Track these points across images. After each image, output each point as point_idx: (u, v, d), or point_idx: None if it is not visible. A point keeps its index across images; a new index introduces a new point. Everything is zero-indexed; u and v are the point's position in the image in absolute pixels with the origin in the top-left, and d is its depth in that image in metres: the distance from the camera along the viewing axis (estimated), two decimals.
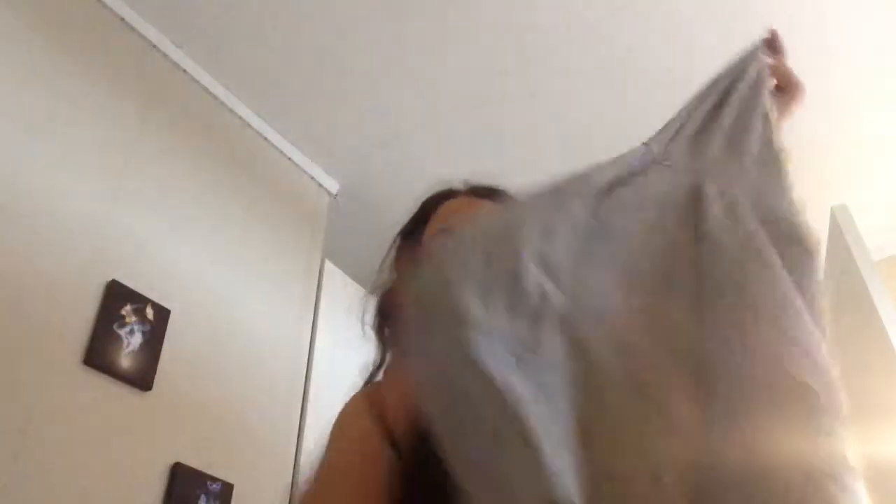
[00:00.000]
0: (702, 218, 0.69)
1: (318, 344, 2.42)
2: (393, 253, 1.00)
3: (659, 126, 0.86)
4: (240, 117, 2.48)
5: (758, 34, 1.01)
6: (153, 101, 2.19)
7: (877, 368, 2.07)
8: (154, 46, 2.25)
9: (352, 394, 0.88)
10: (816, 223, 2.63)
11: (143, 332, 1.83)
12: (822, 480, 0.56)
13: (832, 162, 2.64)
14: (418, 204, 1.01)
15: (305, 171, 2.67)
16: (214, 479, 1.85)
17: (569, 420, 0.55)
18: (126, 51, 2.18)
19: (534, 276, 0.59)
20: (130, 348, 1.79)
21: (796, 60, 1.00)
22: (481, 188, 0.99)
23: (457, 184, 1.01)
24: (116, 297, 1.81)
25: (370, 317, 0.96)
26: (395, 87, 2.44)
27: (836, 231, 2.24)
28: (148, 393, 1.80)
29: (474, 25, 2.24)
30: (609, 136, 2.57)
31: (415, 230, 0.99)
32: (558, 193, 0.69)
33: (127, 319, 1.81)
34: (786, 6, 2.16)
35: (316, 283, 2.55)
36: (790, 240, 0.69)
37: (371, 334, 0.95)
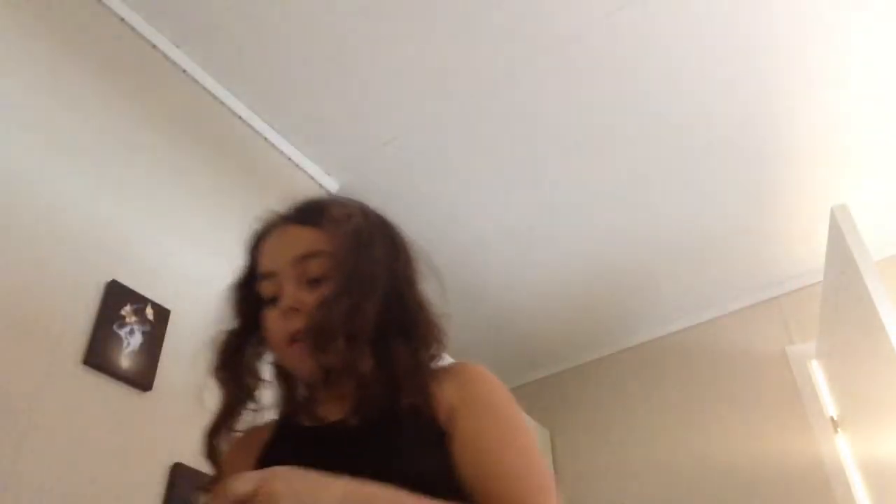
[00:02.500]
0: None
1: None
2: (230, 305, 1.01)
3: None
4: (239, 117, 2.47)
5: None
6: (153, 101, 2.19)
7: (877, 368, 2.07)
8: (154, 46, 2.25)
9: None
10: (816, 223, 2.66)
11: (143, 332, 1.83)
12: None
13: (832, 162, 2.65)
14: (245, 250, 1.01)
15: (305, 171, 2.67)
16: None
17: None
18: (126, 51, 2.18)
19: None
20: (130, 348, 1.79)
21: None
22: (290, 211, 0.99)
23: (271, 215, 1.01)
24: (116, 297, 1.80)
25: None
26: (396, 86, 2.44)
27: (836, 231, 2.25)
28: (148, 393, 1.80)
29: (476, 25, 2.24)
30: (612, 136, 2.57)
31: (246, 280, 0.99)
32: None
33: (127, 319, 1.80)
34: (787, 7, 2.16)
35: None
36: None
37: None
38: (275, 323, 0.91)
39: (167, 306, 1.92)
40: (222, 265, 2.17)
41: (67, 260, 1.76)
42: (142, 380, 1.78)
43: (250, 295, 0.97)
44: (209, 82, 2.39)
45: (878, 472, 2.38)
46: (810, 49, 2.27)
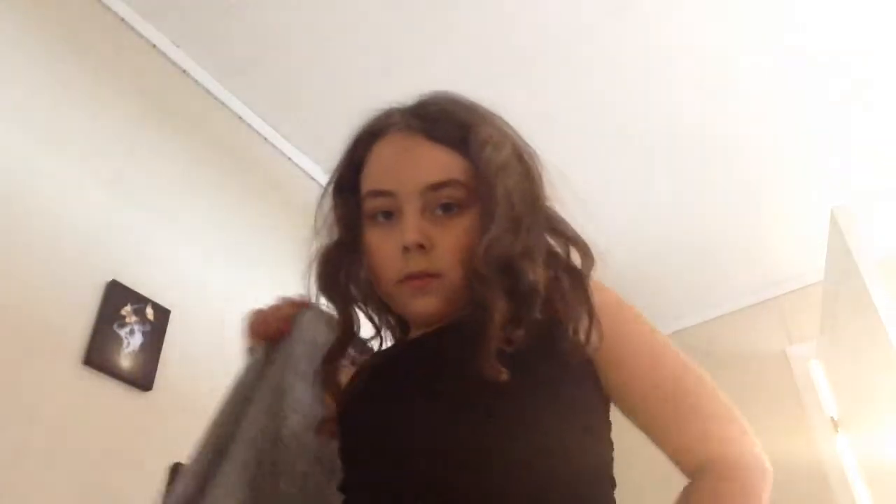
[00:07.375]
0: None
1: None
2: (326, 210, 0.88)
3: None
4: (239, 117, 2.47)
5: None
6: (153, 101, 2.19)
7: (877, 368, 2.07)
8: (154, 46, 2.25)
9: None
10: (816, 223, 2.65)
11: (143, 332, 1.83)
12: None
13: (832, 162, 2.65)
14: (348, 144, 0.89)
15: (305, 171, 2.66)
16: None
17: None
18: (126, 51, 2.18)
19: None
20: (130, 348, 1.79)
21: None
22: (416, 118, 0.84)
23: (390, 113, 0.88)
24: (116, 297, 1.81)
25: (314, 285, 0.88)
26: (395, 84, 2.43)
27: (836, 231, 2.24)
28: (148, 393, 1.80)
29: (476, 24, 2.24)
30: (612, 136, 2.57)
31: (347, 180, 0.88)
32: None
33: (127, 319, 1.81)
34: (786, 8, 2.16)
35: None
36: None
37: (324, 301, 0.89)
38: (389, 255, 0.78)
39: (167, 306, 1.92)
40: (222, 265, 2.19)
41: (67, 260, 1.76)
42: (142, 380, 1.79)
43: (351, 200, 0.85)
44: (209, 82, 2.39)
45: (878, 472, 2.38)
46: (810, 49, 2.27)
